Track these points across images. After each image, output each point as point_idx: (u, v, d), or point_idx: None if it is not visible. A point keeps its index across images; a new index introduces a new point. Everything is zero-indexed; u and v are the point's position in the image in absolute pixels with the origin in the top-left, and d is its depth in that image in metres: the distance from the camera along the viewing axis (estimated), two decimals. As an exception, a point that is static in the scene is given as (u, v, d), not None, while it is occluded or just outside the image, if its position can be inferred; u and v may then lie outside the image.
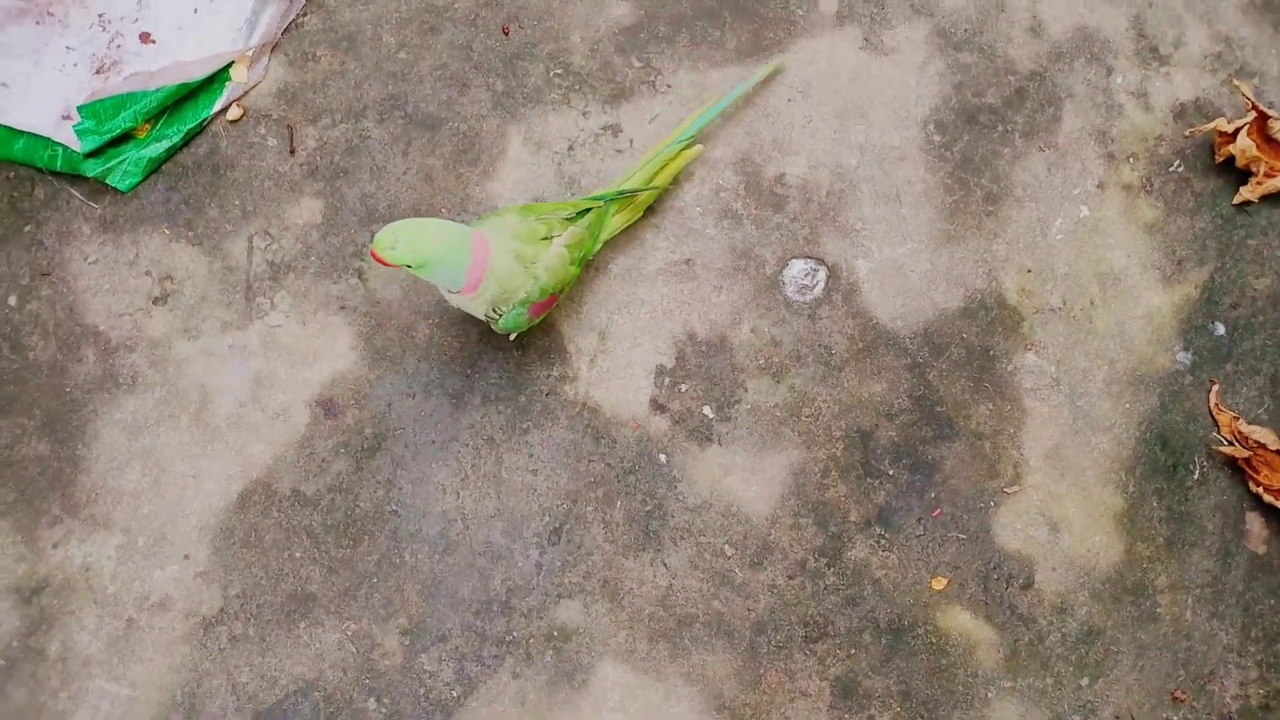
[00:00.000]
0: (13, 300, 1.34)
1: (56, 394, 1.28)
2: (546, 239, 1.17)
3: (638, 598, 1.19)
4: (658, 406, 1.26)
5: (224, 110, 1.41)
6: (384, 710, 1.15)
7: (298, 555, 1.21)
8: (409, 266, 1.04)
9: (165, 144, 1.38)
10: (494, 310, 1.14)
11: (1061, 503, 1.24)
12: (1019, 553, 1.22)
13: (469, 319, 1.30)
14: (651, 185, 1.30)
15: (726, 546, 1.21)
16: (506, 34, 1.43)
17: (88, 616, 1.21)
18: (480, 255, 1.09)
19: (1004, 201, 1.35)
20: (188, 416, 1.27)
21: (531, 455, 1.25)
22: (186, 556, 1.22)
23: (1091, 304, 1.31)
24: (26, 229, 1.38)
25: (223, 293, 1.32)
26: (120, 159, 1.37)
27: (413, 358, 1.29)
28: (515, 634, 1.18)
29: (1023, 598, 1.20)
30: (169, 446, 1.26)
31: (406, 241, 1.03)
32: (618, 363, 1.28)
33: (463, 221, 1.25)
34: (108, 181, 1.36)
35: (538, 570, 1.20)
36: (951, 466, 1.24)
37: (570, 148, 1.38)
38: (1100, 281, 1.32)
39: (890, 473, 1.24)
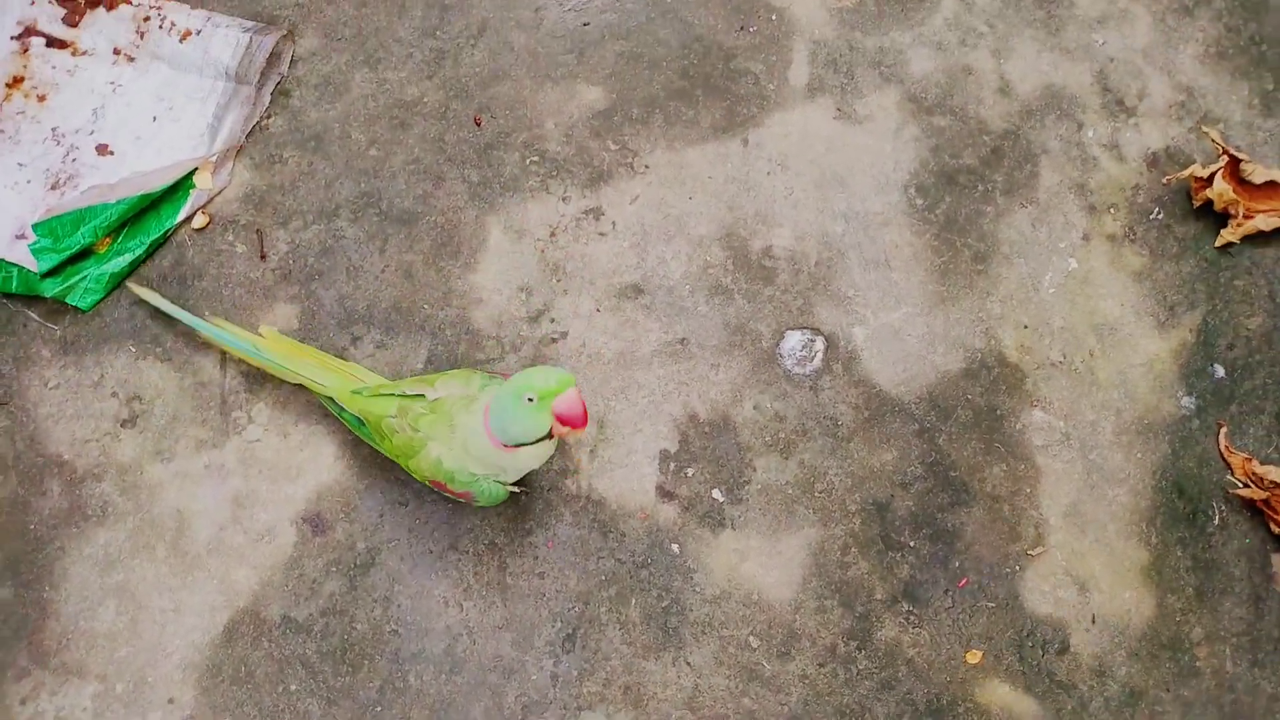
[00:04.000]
0: (-33, 434, 1.25)
1: (19, 533, 1.19)
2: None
3: (663, 702, 1.12)
4: (665, 494, 1.21)
5: (189, 219, 1.36)
6: None
7: (293, 688, 1.12)
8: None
9: (128, 258, 1.32)
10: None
11: (1086, 561, 1.20)
12: (1050, 616, 1.17)
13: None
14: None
15: (751, 638, 1.15)
16: (479, 125, 1.41)
17: (61, 778, 1.10)
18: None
19: (993, 259, 1.35)
20: (164, 546, 1.18)
21: (537, 557, 1.18)
22: (171, 701, 1.12)
23: (1091, 355, 1.30)
24: (-20, 357, 1.30)
25: (196, 410, 1.25)
26: (80, 276, 1.30)
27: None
28: (535, 755, 1.09)
29: (1060, 663, 1.15)
30: (145, 580, 1.17)
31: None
32: (619, 451, 1.23)
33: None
34: (67, 300, 1.29)
35: (553, 682, 1.13)
36: (972, 533, 1.21)
37: (552, 234, 1.35)
38: (1097, 332, 1.31)
39: (911, 544, 1.20)
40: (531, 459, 1.02)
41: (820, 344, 1.29)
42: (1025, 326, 1.31)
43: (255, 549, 1.18)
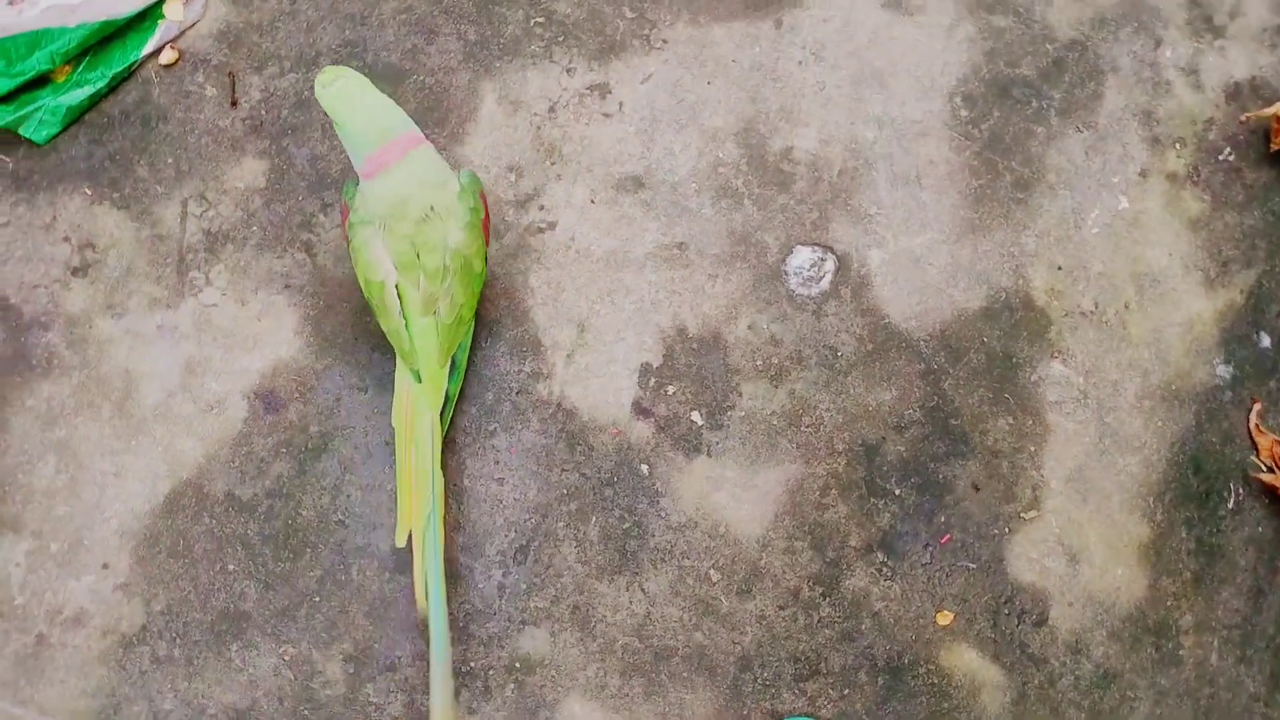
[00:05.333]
0: (-89, 265, 1.18)
1: (-42, 376, 1.13)
2: (418, 270, 0.99)
3: (611, 626, 1.07)
4: (641, 410, 1.13)
5: (156, 53, 1.23)
6: (325, 745, 1.04)
7: (231, 568, 1.08)
8: (326, 114, 1.00)
9: (88, 90, 1.21)
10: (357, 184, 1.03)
11: (1082, 531, 1.12)
12: (1033, 585, 1.10)
13: (431, 304, 1.15)
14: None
15: (712, 571, 1.09)
16: (482, -26, 1.25)
17: (-6, 629, 1.08)
18: (388, 157, 0.98)
19: (1035, 188, 1.21)
20: (110, 406, 1.12)
21: (498, 462, 1.11)
22: (105, 566, 1.08)
23: (1126, 308, 1.18)
24: (-73, 183, 1.21)
25: (151, 265, 1.17)
26: (35, 106, 1.19)
27: (366, 346, 1.14)
28: (473, 664, 1.05)
29: (1035, 636, 1.09)
30: (88, 440, 1.11)
31: (343, 91, 0.97)
32: (598, 359, 1.14)
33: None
34: (20, 132, 1.19)
35: (500, 593, 1.08)
36: (964, 488, 1.12)
37: (551, 109, 1.22)
38: (1137, 283, 1.19)
39: (897, 492, 1.12)
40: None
41: (831, 264, 1.18)
42: (1059, 268, 1.18)
43: (203, 420, 1.12)
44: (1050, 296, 1.18)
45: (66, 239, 1.18)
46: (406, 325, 1.01)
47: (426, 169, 1.00)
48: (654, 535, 1.09)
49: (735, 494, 1.11)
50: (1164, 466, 1.15)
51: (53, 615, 1.07)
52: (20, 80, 1.18)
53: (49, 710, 1.05)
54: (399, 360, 1.05)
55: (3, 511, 1.10)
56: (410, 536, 1.02)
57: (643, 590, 1.08)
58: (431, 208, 0.99)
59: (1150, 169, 1.22)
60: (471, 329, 1.10)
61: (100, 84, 1.21)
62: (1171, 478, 1.14)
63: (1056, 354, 1.16)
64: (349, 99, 0.97)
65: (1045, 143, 1.22)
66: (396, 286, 1.00)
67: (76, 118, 1.21)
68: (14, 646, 1.07)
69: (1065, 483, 1.13)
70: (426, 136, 1.20)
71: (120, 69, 1.22)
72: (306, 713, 1.04)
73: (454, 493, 1.10)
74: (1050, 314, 1.17)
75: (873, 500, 1.12)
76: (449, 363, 1.05)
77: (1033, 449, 1.14)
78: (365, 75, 1.21)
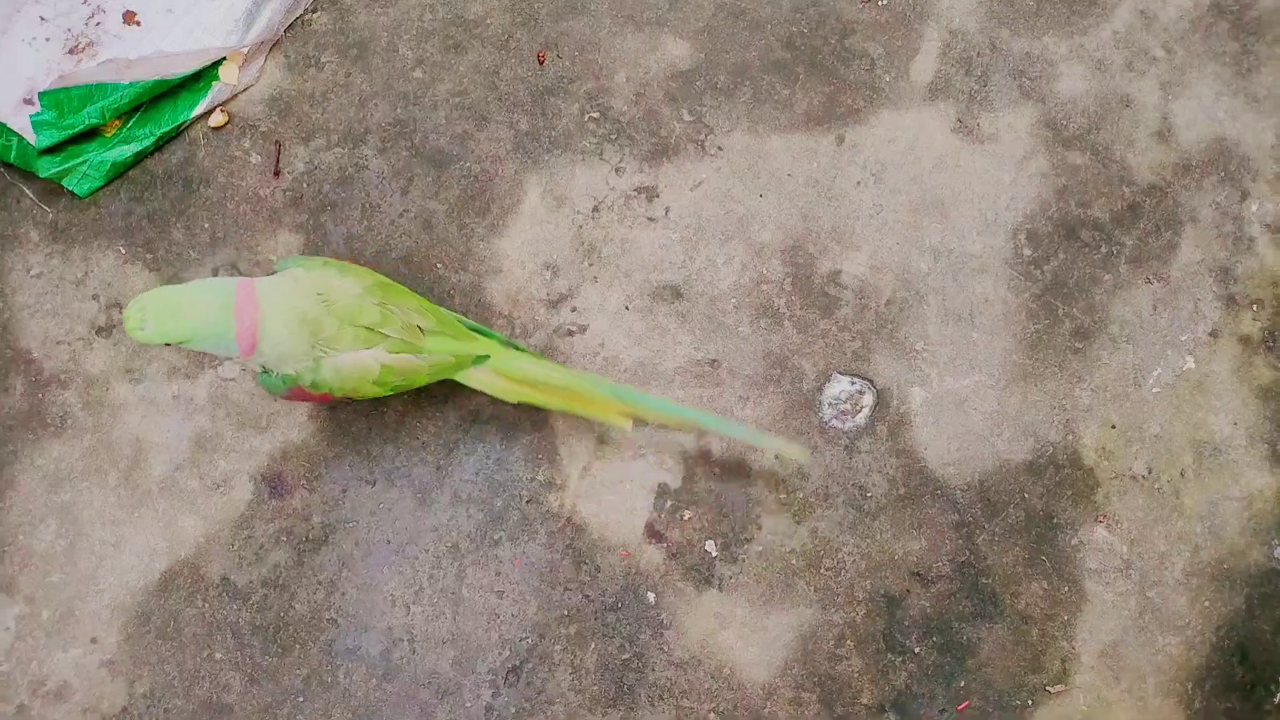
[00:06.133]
0: (-57, 307, 1.18)
1: (-27, 428, 1.12)
2: (371, 332, 0.94)
3: (600, 765, 1.02)
4: (654, 534, 1.08)
5: (206, 114, 1.23)
6: None
7: (218, 657, 1.05)
8: (168, 344, 0.90)
9: (134, 147, 1.20)
10: (261, 367, 0.95)
11: (1112, 712, 1.05)
12: (1055, 768, 1.03)
13: (451, 395, 1.12)
14: (547, 394, 1.03)
15: (711, 715, 1.03)
16: (541, 63, 1.23)
17: (-24, 692, 1.06)
18: (247, 318, 0.90)
19: (1096, 339, 1.14)
20: (117, 474, 1.10)
21: (499, 573, 1.07)
22: (94, 640, 1.06)
23: (1182, 476, 1.10)
24: (-31, 226, 1.21)
25: (176, 331, 1.15)
26: (81, 160, 1.19)
27: (379, 439, 1.11)
28: (453, 788, 1.01)
29: (1052, 824, 1.02)
30: (91, 506, 1.10)
31: (157, 319, 0.88)
32: (614, 474, 1.10)
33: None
34: (64, 184, 1.18)
35: (487, 714, 1.03)
36: (989, 652, 1.05)
37: (595, 208, 1.18)
38: (1196, 450, 1.11)
39: (916, 650, 1.05)
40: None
41: (869, 398, 1.12)
42: (1113, 427, 1.11)
43: (208, 498, 1.10)
44: (1100, 456, 1.11)
45: (95, 297, 1.17)
46: (430, 356, 0.97)
47: (279, 290, 0.94)
48: (654, 669, 1.04)
49: (744, 634, 1.05)
50: (1207, 651, 1.07)
51: (36, 686, 1.05)
52: (70, 133, 1.18)
53: (19, 785, 1.03)
54: (461, 380, 1.02)
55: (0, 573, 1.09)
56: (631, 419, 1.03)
57: (637, 729, 1.03)
58: (318, 296, 0.93)
59: (1222, 329, 1.14)
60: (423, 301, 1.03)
61: (147, 142, 1.20)
62: (1215, 664, 1.06)
63: (1102, 518, 1.09)
64: (170, 311, 0.89)
65: (1111, 291, 1.15)
66: (385, 364, 0.95)
67: (120, 173, 1.21)
68: (-7, 714, 1.05)
69: (1098, 657, 1.06)
70: (465, 226, 1.18)
71: (169, 128, 1.21)
72: (276, 821, 1.00)
73: (450, 601, 1.06)
74: (1099, 475, 1.10)
75: (890, 656, 1.05)
76: (467, 330, 1.02)
77: (1066, 618, 1.07)
78: (410, 156, 1.20)
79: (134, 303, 0.88)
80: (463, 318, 1.03)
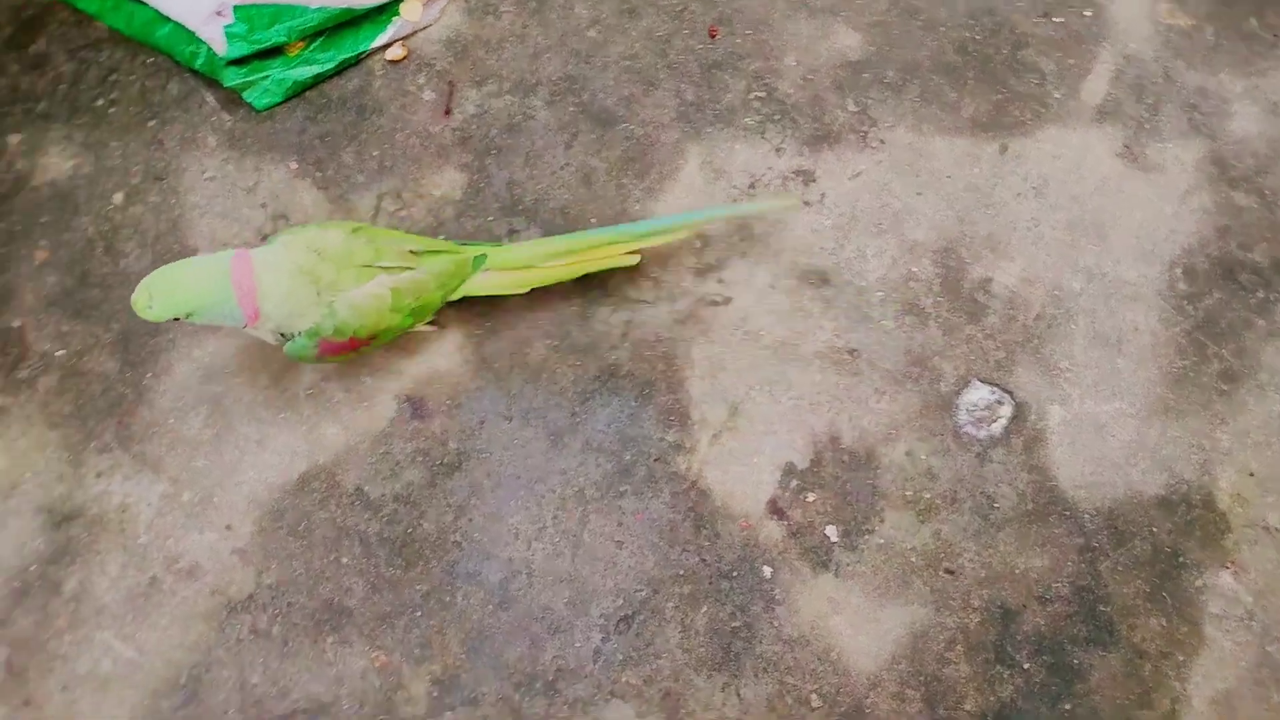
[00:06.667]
0: (118, 198, 1.23)
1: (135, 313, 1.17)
2: (369, 267, 0.99)
3: (698, 725, 1.03)
4: (776, 510, 1.09)
5: (385, 47, 1.27)
6: (390, 765, 1.03)
7: (344, 561, 1.09)
8: (178, 319, 0.94)
9: (315, 69, 1.24)
10: (280, 334, 0.99)
11: (1216, 757, 1.03)
12: (1151, 803, 1.02)
13: (594, 346, 1.15)
14: (554, 266, 1.09)
15: (814, 696, 1.04)
16: (713, 37, 1.25)
17: (112, 562, 1.11)
18: (244, 282, 0.95)
19: (1243, 383, 1.12)
20: (268, 376, 1.15)
21: (621, 524, 1.09)
22: (229, 527, 1.10)
23: (1316, 532, 1.08)
24: (150, 124, 1.27)
25: (337, 249, 1.19)
26: (264, 75, 1.24)
27: (520, 378, 1.14)
28: (553, 724, 1.03)
29: None
30: (240, 402, 1.14)
31: (162, 296, 0.93)
32: (744, 447, 1.11)
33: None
34: (244, 96, 1.23)
35: (595, 657, 1.05)
36: (1098, 680, 1.05)
37: (752, 185, 1.20)
38: (1335, 508, 1.09)
39: (1025, 666, 1.05)
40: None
41: (1007, 409, 1.12)
42: (1251, 474, 1.10)
43: (352, 411, 1.13)
44: (1235, 502, 1.09)
45: (264, 205, 1.21)
46: (430, 267, 1.04)
47: (272, 254, 0.98)
48: (762, 642, 1.05)
49: (855, 622, 1.06)
50: (1321, 713, 1.05)
51: (170, 561, 1.10)
52: (256, 48, 1.22)
53: (146, 651, 1.07)
54: (472, 291, 1.09)
55: (148, 450, 1.13)
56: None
57: (738, 695, 1.04)
58: (310, 250, 0.98)
59: (1375, 389, 1.12)
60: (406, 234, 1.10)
61: (328, 65, 1.25)
62: (1327, 727, 1.04)
63: (1229, 565, 1.08)
64: (172, 286, 0.94)
65: (1264, 338, 1.13)
66: (392, 287, 1.01)
67: (298, 93, 1.25)
68: (129, 582, 1.09)
69: (1209, 704, 1.04)
70: (623, 186, 1.20)
71: (349, 55, 1.25)
72: (381, 727, 1.04)
73: (571, 543, 1.08)
74: (1231, 520, 1.09)
75: (999, 668, 1.05)
76: (457, 245, 1.09)
77: (1181, 659, 1.05)
78: (576, 112, 1.23)
79: (141, 285, 0.94)
80: (449, 240, 1.11)
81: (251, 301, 0.96)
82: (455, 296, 1.09)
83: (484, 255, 1.08)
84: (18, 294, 1.21)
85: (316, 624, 1.07)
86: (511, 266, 1.09)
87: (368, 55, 1.26)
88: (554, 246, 1.09)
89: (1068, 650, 1.05)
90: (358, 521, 1.10)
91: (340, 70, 1.25)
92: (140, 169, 1.23)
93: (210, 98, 1.24)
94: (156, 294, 0.93)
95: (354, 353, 1.04)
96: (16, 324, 1.18)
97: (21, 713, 1.08)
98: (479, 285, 1.09)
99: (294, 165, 1.22)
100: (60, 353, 1.17)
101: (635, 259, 1.10)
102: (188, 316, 0.95)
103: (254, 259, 0.97)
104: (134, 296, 0.94)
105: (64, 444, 1.15)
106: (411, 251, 1.03)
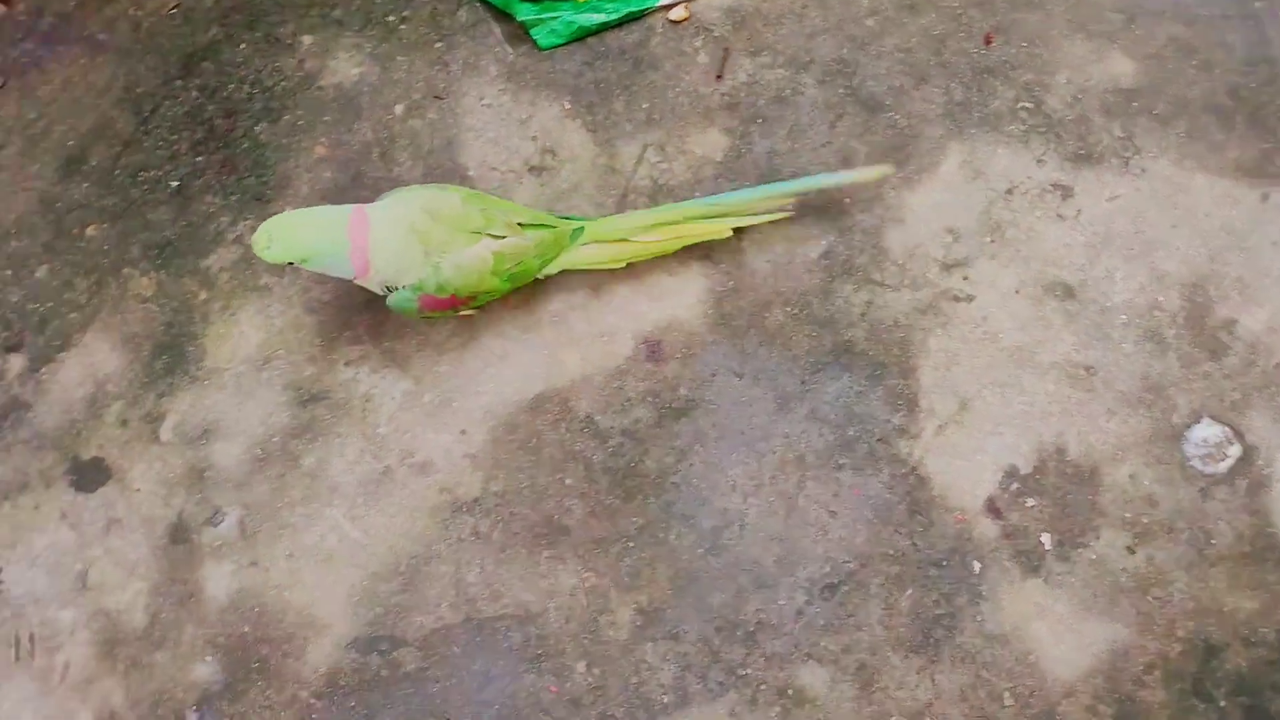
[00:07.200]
0: (399, 109, 1.31)
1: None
2: (477, 234, 1.05)
3: (890, 700, 1.05)
4: (993, 509, 1.11)
5: (669, 7, 1.32)
6: (590, 680, 1.07)
7: (568, 482, 1.14)
8: (292, 264, 1.00)
9: (601, 17, 1.30)
10: (387, 287, 1.05)
11: None
12: None
13: (832, 320, 1.18)
14: (650, 240, 1.15)
15: (1007, 694, 1.05)
16: (989, 43, 1.27)
17: (351, 446, 1.18)
18: (359, 237, 1.01)
19: None
20: (518, 297, 1.21)
21: (836, 495, 1.12)
22: (463, 432, 1.17)
23: None
24: (437, 45, 1.34)
25: (598, 189, 1.24)
26: (554, 15, 1.30)
27: (756, 338, 1.18)
28: (749, 671, 1.07)
29: None
30: (490, 317, 1.20)
31: (280, 239, 0.99)
32: (968, 442, 1.13)
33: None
34: (530, 33, 1.30)
35: (797, 618, 1.08)
36: (1298, 733, 1.04)
37: (1009, 190, 1.22)
38: None
39: (1221, 704, 1.05)
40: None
41: (1236, 450, 1.12)
42: None
43: (592, 343, 1.19)
44: None
45: (534, 138, 1.27)
46: (532, 235, 1.10)
47: (389, 211, 1.03)
48: (963, 633, 1.07)
49: (1057, 631, 1.07)
50: None
51: (405, 455, 1.17)
52: (553, -12, 1.29)
53: (372, 535, 1.14)
54: (571, 265, 1.15)
55: (397, 348, 1.20)
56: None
57: (933, 680, 1.06)
58: (425, 212, 1.04)
59: None
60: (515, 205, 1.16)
61: (614, 15, 1.30)
62: None
63: None
64: (291, 232, 1.00)
65: None
66: (495, 250, 1.06)
67: (581, 38, 1.31)
68: (365, 468, 1.16)
69: None
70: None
71: (635, 8, 1.31)
72: (586, 641, 1.08)
73: (785, 504, 1.12)
74: None
75: (1194, 700, 1.05)
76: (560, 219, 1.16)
77: (1388, 728, 1.04)
78: (845, 95, 1.26)
79: (263, 225, 1.00)
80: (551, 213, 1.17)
81: (364, 256, 1.02)
82: (554, 270, 1.15)
83: (581, 228, 1.13)
84: (294, 184, 1.30)
85: (535, 536, 1.13)
86: (608, 238, 1.15)
87: (652, 12, 1.31)
88: (647, 219, 1.14)
89: (1266, 696, 1.05)
90: (585, 448, 1.15)
91: (623, 22, 1.31)
92: (422, 85, 1.31)
93: (497, 29, 1.31)
94: (276, 237, 0.99)
95: (452, 310, 1.10)
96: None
97: (247, 571, 1.16)
98: (577, 258, 1.15)
99: (567, 105, 1.28)
100: (329, 243, 1.24)
101: (728, 231, 1.16)
102: (302, 262, 1.01)
103: (370, 216, 1.03)
104: (255, 235, 1.00)
105: (319, 330, 1.23)
106: (519, 224, 1.09)
